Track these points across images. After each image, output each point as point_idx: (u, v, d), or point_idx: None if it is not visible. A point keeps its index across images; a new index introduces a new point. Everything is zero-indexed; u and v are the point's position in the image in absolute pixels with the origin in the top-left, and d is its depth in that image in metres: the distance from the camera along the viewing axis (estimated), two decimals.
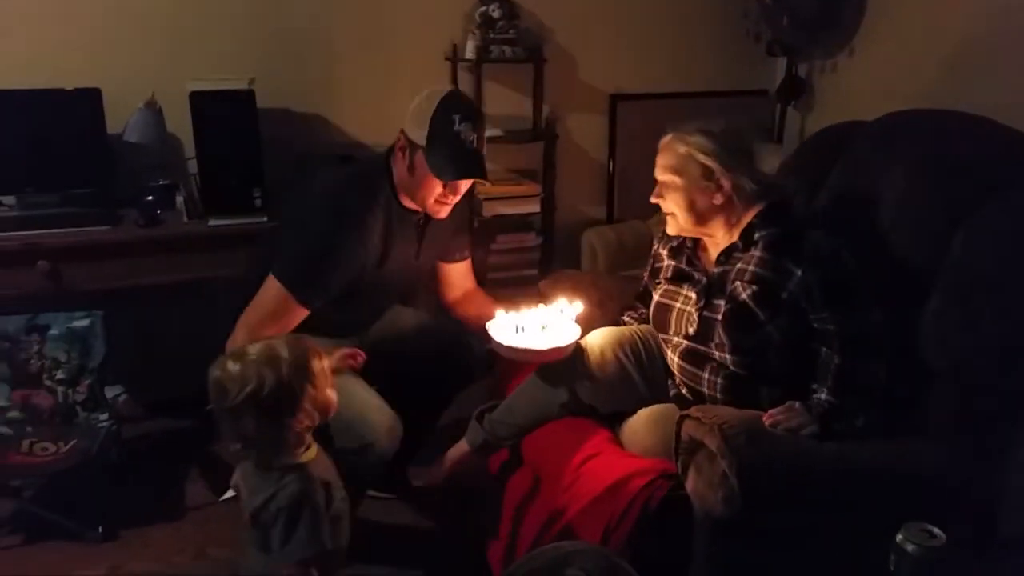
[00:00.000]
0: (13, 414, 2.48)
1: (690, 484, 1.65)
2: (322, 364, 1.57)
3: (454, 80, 3.12)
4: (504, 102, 3.23)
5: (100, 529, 2.36)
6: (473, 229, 3.13)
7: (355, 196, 2.04)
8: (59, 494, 2.45)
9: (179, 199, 2.68)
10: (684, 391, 1.93)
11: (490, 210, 3.13)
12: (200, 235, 2.61)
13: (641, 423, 1.94)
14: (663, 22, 3.41)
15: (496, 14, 3.04)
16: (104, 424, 2.49)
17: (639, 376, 2.00)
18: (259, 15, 2.91)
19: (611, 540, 1.68)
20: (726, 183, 1.79)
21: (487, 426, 2.06)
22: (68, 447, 2.40)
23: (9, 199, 2.73)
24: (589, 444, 1.91)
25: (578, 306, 2.01)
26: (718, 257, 1.87)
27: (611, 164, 3.47)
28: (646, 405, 1.97)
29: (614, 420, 2.00)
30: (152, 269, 2.60)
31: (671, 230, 1.91)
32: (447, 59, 3.10)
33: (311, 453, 1.57)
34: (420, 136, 1.97)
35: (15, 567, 2.26)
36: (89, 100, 2.66)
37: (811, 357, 1.75)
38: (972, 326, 1.76)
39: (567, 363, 1.97)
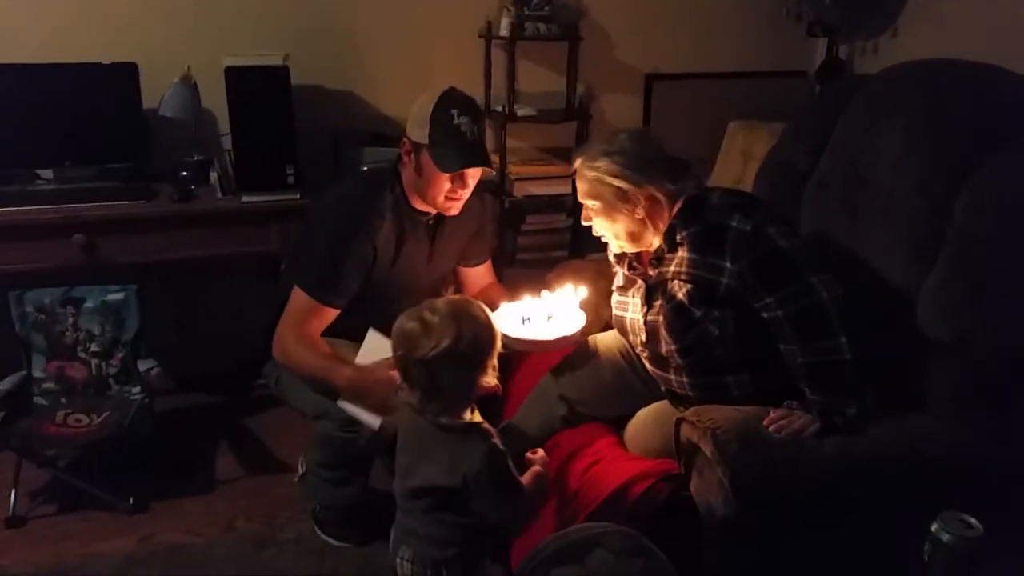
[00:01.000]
0: (48, 385, 2.53)
1: (693, 486, 1.64)
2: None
3: (487, 57, 3.09)
4: (538, 80, 3.21)
5: (131, 500, 2.40)
6: (503, 210, 3.12)
7: (360, 197, 2.10)
8: (93, 465, 2.50)
9: (213, 175, 2.69)
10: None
11: (520, 190, 3.10)
12: (233, 211, 2.62)
13: (640, 424, 1.92)
14: (701, 1, 3.34)
15: None
16: (136, 397, 2.52)
17: (635, 377, 2.00)
18: None
19: None
20: (642, 197, 1.76)
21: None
22: (101, 419, 2.43)
23: (47, 172, 2.75)
24: (592, 450, 1.90)
25: (583, 292, 1.99)
26: (651, 260, 1.84)
27: None
28: (646, 403, 1.95)
29: (620, 421, 1.98)
30: (186, 244, 2.61)
31: (614, 250, 1.91)
32: (481, 36, 3.07)
33: (476, 415, 1.60)
34: (423, 135, 2.00)
35: (48, 535, 2.30)
36: (126, 74, 2.67)
37: (767, 338, 1.70)
38: (977, 295, 1.68)
39: (563, 377, 1.99)
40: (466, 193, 2.08)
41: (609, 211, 1.79)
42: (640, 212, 1.77)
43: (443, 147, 1.98)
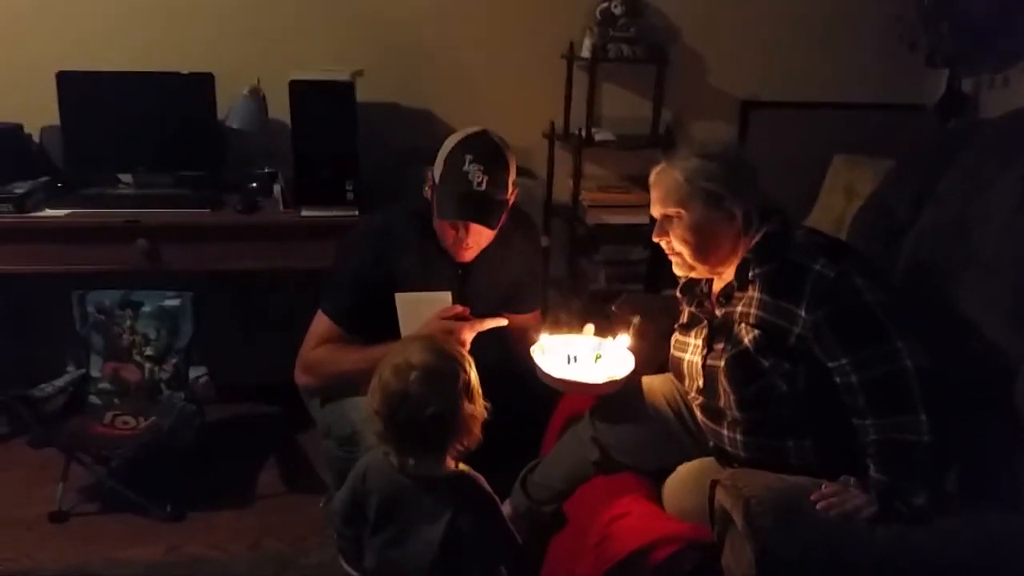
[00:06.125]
0: (104, 385, 2.58)
1: (724, 559, 1.44)
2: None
3: (569, 80, 2.97)
4: (620, 104, 3.05)
5: (169, 508, 2.40)
6: (575, 238, 2.97)
7: (383, 227, 2.02)
8: (143, 469, 2.50)
9: (276, 188, 2.68)
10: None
11: (594, 218, 2.94)
12: (292, 225, 2.60)
13: (679, 481, 1.73)
14: (804, 23, 3.08)
15: (618, 11, 2.86)
16: (182, 404, 2.53)
17: (681, 428, 1.81)
18: (374, 8, 2.88)
19: None
20: (737, 210, 1.56)
21: (530, 490, 1.92)
22: (147, 423, 2.45)
23: (127, 177, 2.83)
24: (620, 502, 1.73)
25: (624, 339, 1.81)
26: (718, 298, 1.63)
27: None
28: (690, 459, 1.76)
29: (661, 474, 1.80)
30: (246, 255, 2.62)
31: (679, 271, 1.69)
32: (563, 57, 2.95)
33: (461, 463, 1.55)
34: (438, 174, 1.91)
35: (84, 535, 2.33)
36: (202, 85, 2.71)
37: (838, 402, 1.49)
38: None
39: (600, 419, 1.83)
40: (474, 241, 1.92)
41: (695, 221, 1.58)
42: (731, 227, 1.58)
43: (445, 192, 1.87)
